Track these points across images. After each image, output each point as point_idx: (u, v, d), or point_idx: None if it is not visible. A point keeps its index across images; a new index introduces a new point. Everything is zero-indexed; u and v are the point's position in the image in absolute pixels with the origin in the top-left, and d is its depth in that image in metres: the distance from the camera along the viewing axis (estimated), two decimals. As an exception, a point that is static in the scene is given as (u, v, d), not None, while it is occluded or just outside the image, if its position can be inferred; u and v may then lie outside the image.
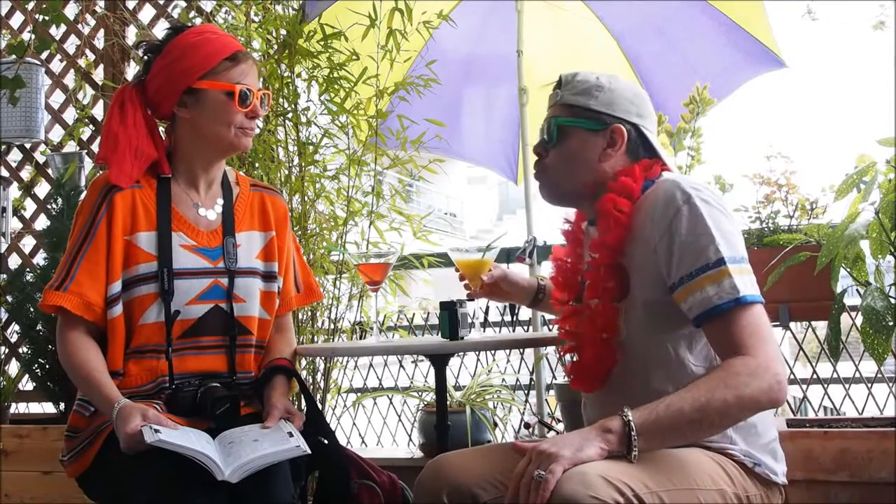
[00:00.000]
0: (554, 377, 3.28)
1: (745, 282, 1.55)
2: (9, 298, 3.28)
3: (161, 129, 2.02)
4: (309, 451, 1.72)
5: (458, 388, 3.20)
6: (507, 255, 2.81)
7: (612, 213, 1.67)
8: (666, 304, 1.61)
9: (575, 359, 1.79)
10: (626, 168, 1.74)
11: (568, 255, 1.91)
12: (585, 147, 1.76)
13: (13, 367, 3.59)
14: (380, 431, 3.57)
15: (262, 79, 2.90)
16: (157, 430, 1.63)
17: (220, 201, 2.00)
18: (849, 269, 2.13)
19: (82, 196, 3.28)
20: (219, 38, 1.94)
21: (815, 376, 3.05)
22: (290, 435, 1.75)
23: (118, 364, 1.86)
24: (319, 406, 2.87)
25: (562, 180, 1.79)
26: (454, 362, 3.44)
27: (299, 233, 2.93)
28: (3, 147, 3.75)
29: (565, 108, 1.79)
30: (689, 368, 1.63)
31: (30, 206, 3.80)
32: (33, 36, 3.13)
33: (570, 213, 1.95)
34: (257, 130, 1.98)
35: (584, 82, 1.79)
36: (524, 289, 2.21)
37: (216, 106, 1.90)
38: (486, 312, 3.24)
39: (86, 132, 3.65)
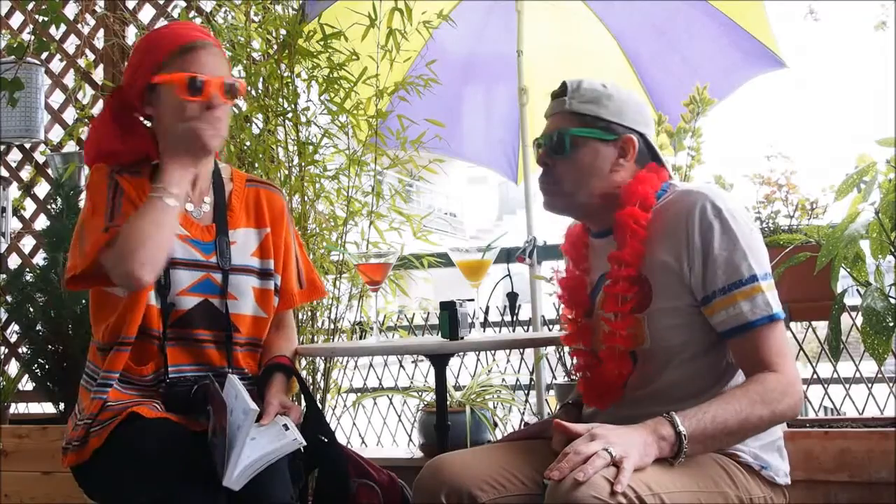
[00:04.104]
0: (554, 377, 3.28)
1: (774, 298, 1.59)
2: (9, 298, 3.28)
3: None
4: (305, 443, 1.73)
5: (458, 388, 3.20)
6: (507, 255, 2.81)
7: (630, 226, 1.66)
8: (688, 313, 1.63)
9: (589, 375, 1.78)
10: (640, 176, 1.72)
11: (571, 271, 1.89)
12: (598, 158, 1.72)
13: (13, 367, 3.59)
14: (380, 431, 3.57)
15: (261, 78, 2.90)
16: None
17: (208, 199, 1.98)
18: (849, 270, 2.13)
19: (83, 196, 3.30)
20: (173, 31, 1.93)
21: (815, 376, 3.05)
22: (286, 428, 1.75)
23: (133, 331, 1.83)
24: (319, 406, 2.86)
25: (575, 192, 1.74)
26: (454, 362, 3.44)
27: (299, 233, 2.93)
28: (3, 147, 3.75)
29: (575, 116, 1.73)
30: (708, 377, 1.65)
31: (30, 206, 3.81)
32: (33, 37, 3.14)
33: (568, 223, 1.95)
34: (221, 127, 1.93)
35: (592, 90, 1.74)
36: None
37: (170, 99, 1.86)
38: (486, 312, 3.24)
39: (85, 132, 3.64)
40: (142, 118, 1.96)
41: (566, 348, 2.85)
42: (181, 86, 1.83)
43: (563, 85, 1.77)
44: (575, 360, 1.86)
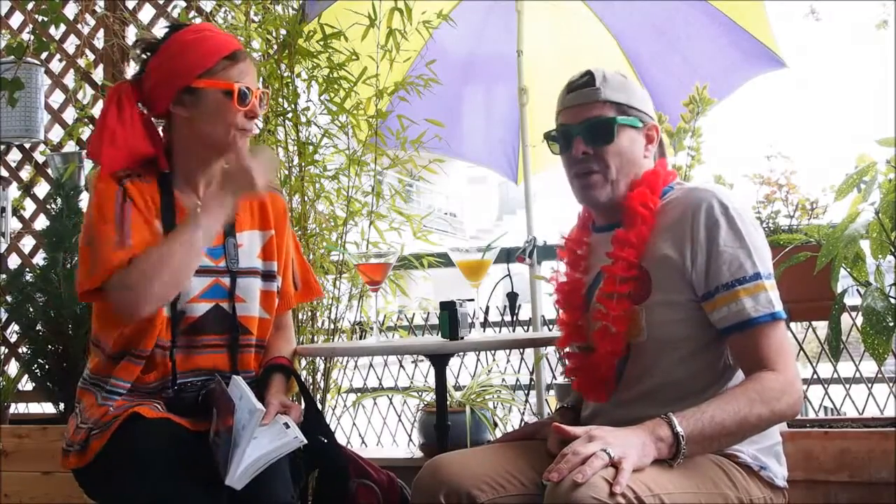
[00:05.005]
0: (554, 377, 3.28)
1: (777, 298, 1.59)
2: (9, 298, 3.28)
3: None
4: (306, 441, 1.73)
5: (458, 388, 3.20)
6: (507, 255, 2.81)
7: (639, 211, 1.68)
8: (686, 308, 1.63)
9: (581, 369, 1.78)
10: (657, 167, 1.76)
11: (568, 275, 1.89)
12: (634, 145, 1.75)
13: (13, 367, 3.59)
14: (380, 431, 3.57)
15: (261, 78, 2.91)
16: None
17: None
18: (849, 269, 2.13)
19: (83, 196, 3.30)
20: (217, 37, 1.92)
21: (815, 376, 3.05)
22: (287, 426, 1.75)
23: (150, 345, 1.83)
24: (319, 406, 2.86)
25: (620, 180, 1.74)
26: (454, 362, 3.44)
27: (299, 233, 2.93)
28: (3, 147, 3.75)
29: (612, 105, 1.73)
30: (706, 376, 1.65)
31: (29, 206, 3.81)
32: (33, 36, 3.13)
33: (568, 224, 1.95)
34: (256, 131, 1.95)
35: (617, 79, 1.76)
36: None
37: (214, 105, 1.87)
38: (486, 312, 3.24)
39: (85, 132, 3.64)
40: (148, 116, 1.94)
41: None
42: (234, 95, 1.86)
43: (589, 74, 1.76)
44: (567, 363, 1.85)
